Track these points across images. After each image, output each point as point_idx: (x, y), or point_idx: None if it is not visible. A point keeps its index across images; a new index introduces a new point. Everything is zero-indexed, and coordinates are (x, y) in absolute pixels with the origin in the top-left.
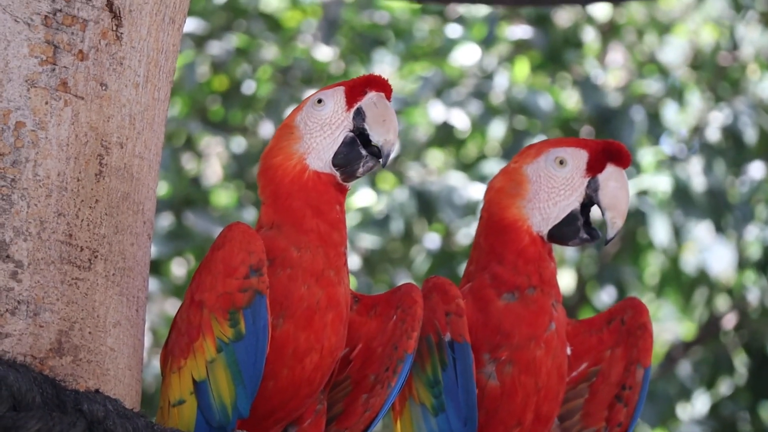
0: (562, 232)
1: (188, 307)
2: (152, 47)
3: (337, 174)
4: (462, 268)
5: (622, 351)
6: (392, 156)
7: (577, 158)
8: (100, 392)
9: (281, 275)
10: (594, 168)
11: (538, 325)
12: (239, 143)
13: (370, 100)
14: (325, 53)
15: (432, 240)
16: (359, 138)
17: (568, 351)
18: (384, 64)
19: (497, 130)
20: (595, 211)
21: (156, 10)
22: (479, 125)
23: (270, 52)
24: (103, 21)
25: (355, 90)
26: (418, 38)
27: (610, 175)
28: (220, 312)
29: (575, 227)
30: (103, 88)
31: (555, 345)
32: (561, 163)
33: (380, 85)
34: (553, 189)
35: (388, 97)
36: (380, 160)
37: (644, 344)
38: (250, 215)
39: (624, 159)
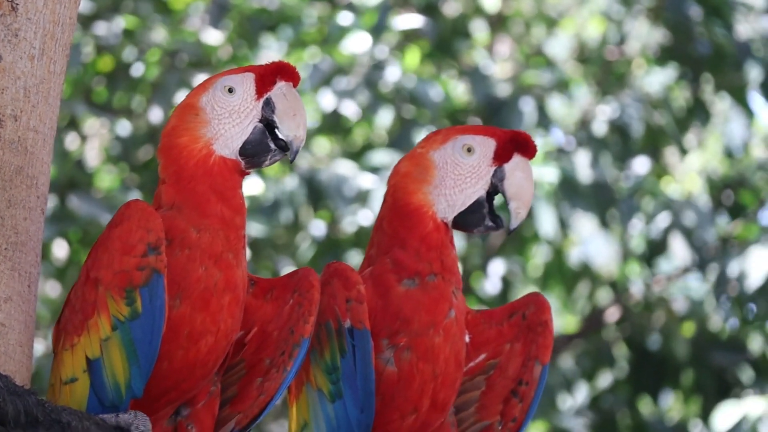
0: (466, 220)
1: (83, 284)
2: (48, 19)
3: (243, 162)
4: (347, 256)
5: (521, 346)
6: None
7: (485, 146)
8: None
9: (179, 256)
10: (501, 157)
11: (437, 312)
12: (124, 126)
13: (280, 90)
14: (213, 37)
15: (318, 227)
16: (267, 128)
17: (467, 339)
18: (272, 50)
19: (385, 118)
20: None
21: None
22: (367, 114)
23: (158, 34)
24: None
25: (266, 79)
26: (307, 24)
27: (516, 165)
28: (116, 290)
29: (480, 215)
30: None
31: (454, 332)
32: (469, 150)
33: (290, 74)
34: (460, 176)
35: (296, 86)
36: (287, 154)
37: (544, 341)
38: (134, 198)
39: (531, 150)
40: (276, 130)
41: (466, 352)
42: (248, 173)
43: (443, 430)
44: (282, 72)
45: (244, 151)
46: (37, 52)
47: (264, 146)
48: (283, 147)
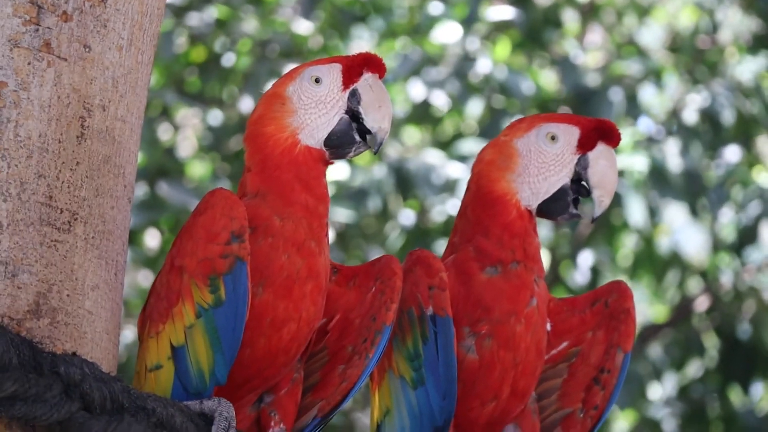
0: (550, 208)
1: (168, 272)
2: (137, 10)
3: (327, 153)
4: (436, 245)
5: (603, 334)
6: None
7: (569, 134)
8: (77, 355)
9: (262, 243)
10: (585, 145)
11: (519, 300)
12: (216, 116)
13: (366, 82)
14: (304, 27)
15: (407, 216)
16: (352, 119)
17: (548, 327)
18: (363, 40)
19: (475, 108)
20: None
21: None
22: (457, 104)
23: (249, 25)
24: None
25: (353, 70)
26: (398, 15)
27: (600, 153)
28: (200, 277)
29: (564, 203)
30: (87, 50)
31: (535, 321)
32: (552, 138)
33: (376, 66)
34: (544, 164)
35: (382, 78)
36: (372, 147)
37: (626, 329)
38: (225, 187)
39: (615, 138)
40: (361, 122)
41: (548, 339)
42: (332, 163)
43: (524, 417)
44: (368, 63)
45: (329, 141)
46: (125, 42)
47: (349, 138)
48: (367, 137)
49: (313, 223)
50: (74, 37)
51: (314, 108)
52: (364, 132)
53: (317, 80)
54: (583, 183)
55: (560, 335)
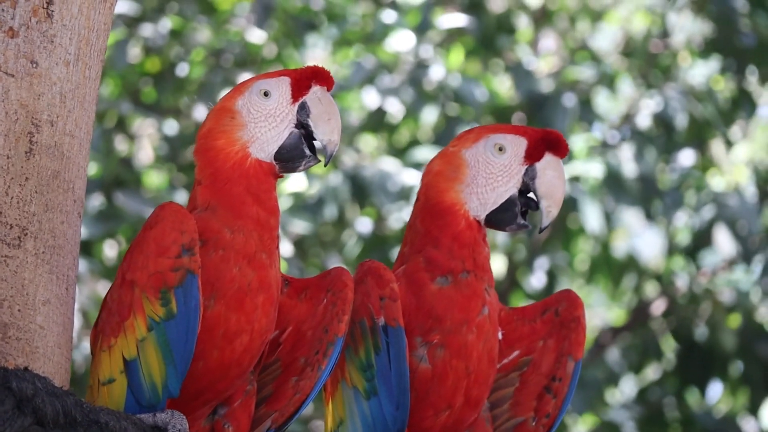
0: (498, 218)
1: (119, 286)
2: (83, 25)
3: (277, 166)
4: (394, 252)
5: (554, 342)
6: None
7: (516, 145)
8: (29, 370)
9: (213, 256)
10: (532, 156)
11: (470, 310)
12: (171, 126)
13: (315, 95)
14: (258, 36)
15: (364, 224)
16: (302, 131)
17: (500, 336)
18: (316, 49)
19: (429, 116)
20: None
21: None
22: (412, 111)
23: (203, 35)
24: None
25: (301, 84)
26: (352, 23)
27: (547, 163)
28: (151, 291)
29: (512, 213)
30: (34, 65)
31: (487, 329)
32: (500, 149)
33: (325, 78)
34: (491, 175)
35: (330, 90)
36: (322, 160)
37: (577, 337)
38: (182, 197)
39: (562, 148)
40: (311, 135)
41: (500, 349)
42: (282, 176)
43: (478, 427)
44: (317, 76)
45: (279, 155)
46: (73, 57)
47: (299, 151)
48: (317, 149)
49: (264, 235)
50: (21, 53)
51: (264, 121)
52: (313, 145)
53: (266, 94)
54: (531, 194)
55: (511, 344)
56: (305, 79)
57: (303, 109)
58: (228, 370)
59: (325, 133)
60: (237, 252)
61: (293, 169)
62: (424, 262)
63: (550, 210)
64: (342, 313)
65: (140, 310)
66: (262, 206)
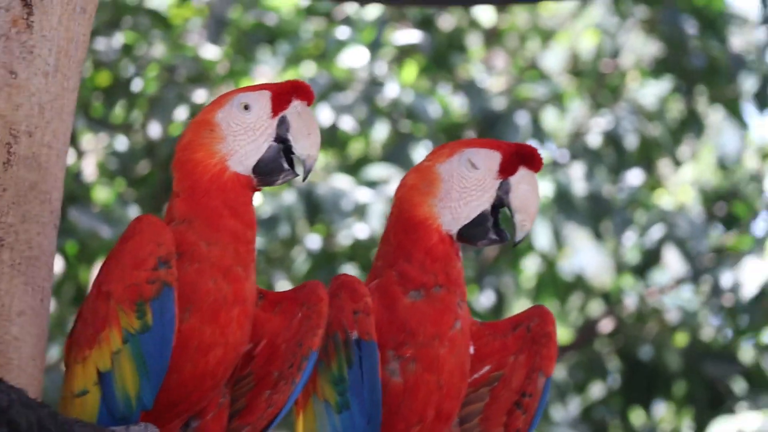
0: (471, 233)
1: (95, 297)
2: (62, 36)
3: (255, 179)
4: (343, 269)
5: (525, 358)
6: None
7: (490, 160)
8: (4, 381)
9: (189, 269)
10: (506, 170)
11: (442, 324)
12: (121, 141)
13: (295, 109)
14: (211, 52)
15: (313, 241)
16: (281, 145)
17: (471, 350)
18: (268, 65)
19: (381, 132)
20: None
21: None
22: (364, 127)
23: (157, 49)
24: (14, 8)
25: (282, 98)
26: (304, 39)
27: (521, 178)
28: (127, 303)
29: (485, 228)
30: (13, 76)
31: (459, 344)
32: (474, 164)
33: (305, 93)
34: (465, 189)
35: (310, 105)
36: (300, 174)
37: (548, 353)
38: (133, 212)
39: (536, 162)
40: (290, 149)
41: (471, 363)
42: (259, 190)
43: None
44: (297, 91)
45: (257, 168)
46: (51, 68)
47: (277, 165)
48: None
49: (240, 248)
50: (0, 63)
51: (243, 135)
52: (292, 159)
53: (246, 107)
54: (505, 208)
55: (482, 359)
56: (286, 94)
57: (283, 124)
58: (202, 383)
59: (305, 147)
60: (213, 265)
61: (271, 183)
62: (397, 276)
63: (524, 224)
64: (316, 327)
65: (115, 322)
66: (239, 219)
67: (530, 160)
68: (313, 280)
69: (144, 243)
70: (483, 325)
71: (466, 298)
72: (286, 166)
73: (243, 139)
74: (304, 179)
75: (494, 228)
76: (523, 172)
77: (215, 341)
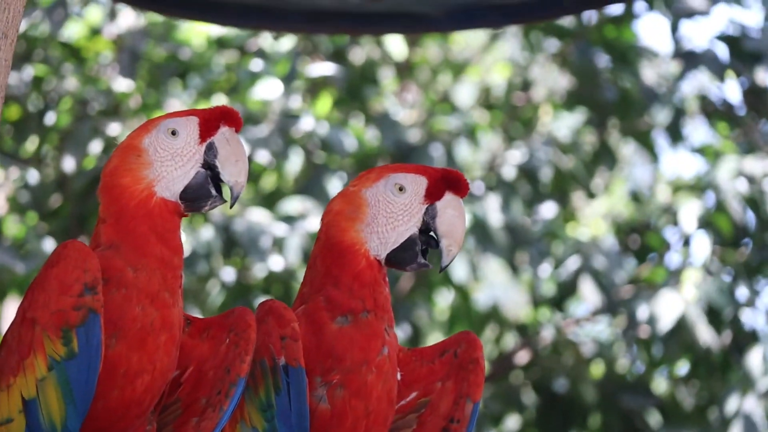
0: (399, 257)
1: (20, 324)
2: None
3: (183, 205)
4: (257, 301)
5: (452, 384)
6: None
7: (416, 185)
8: None
9: (116, 295)
10: (433, 195)
11: (370, 349)
12: (32, 174)
13: (223, 136)
14: (124, 85)
15: (228, 273)
16: (209, 171)
17: (399, 376)
18: (179, 99)
19: (295, 164)
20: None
21: None
22: (278, 159)
23: (69, 82)
24: None
25: (210, 124)
26: (216, 72)
27: (448, 203)
28: (52, 329)
29: (413, 252)
30: None
31: (386, 369)
32: (400, 189)
33: (233, 120)
34: (392, 214)
35: (238, 132)
36: (228, 200)
37: (475, 379)
38: (48, 245)
39: (462, 188)
40: (218, 175)
41: (398, 389)
42: (187, 215)
43: None
44: (225, 117)
45: (185, 194)
46: None
47: (205, 191)
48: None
49: (168, 274)
50: None
51: (170, 160)
52: (219, 185)
53: (174, 132)
54: (432, 233)
55: (409, 385)
56: (214, 120)
57: (210, 150)
58: (128, 410)
59: (233, 174)
60: (140, 291)
61: (198, 209)
62: (324, 302)
63: (450, 249)
64: (245, 353)
65: (41, 348)
66: (166, 245)
67: (456, 185)
68: (241, 307)
69: (69, 269)
70: (410, 351)
71: (393, 324)
72: (213, 192)
73: (170, 164)
74: (231, 206)
75: (422, 253)
76: (449, 197)
77: (142, 368)
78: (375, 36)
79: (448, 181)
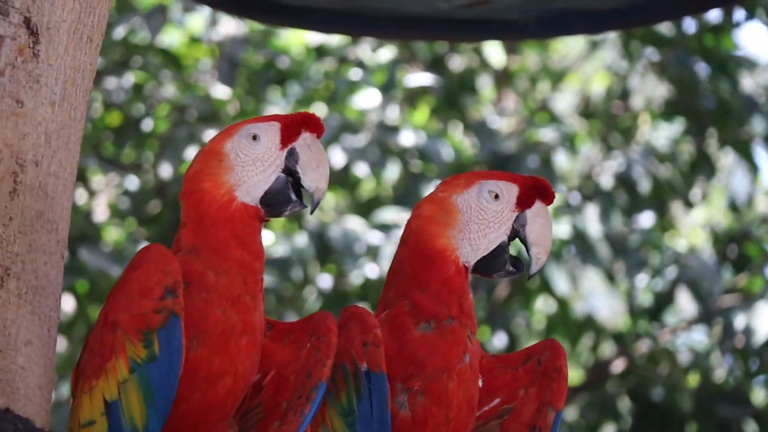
0: (488, 264)
1: (102, 327)
2: (69, 65)
3: (263, 210)
4: None
5: (535, 391)
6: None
7: (509, 192)
8: (11, 411)
9: (197, 298)
10: (523, 203)
11: (452, 356)
12: (132, 181)
13: (305, 141)
14: (222, 92)
15: (324, 280)
16: (290, 177)
17: (480, 383)
18: (278, 106)
19: (393, 173)
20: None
21: (74, 28)
22: (375, 168)
23: (168, 89)
24: (20, 38)
25: (291, 129)
26: (315, 81)
27: (537, 211)
28: (133, 333)
29: (502, 260)
30: (19, 105)
31: (467, 377)
32: (495, 196)
33: (315, 125)
34: (484, 221)
35: (320, 138)
36: (308, 206)
37: (558, 387)
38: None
39: (549, 196)
40: (299, 181)
41: (480, 396)
42: (267, 221)
43: None
44: (307, 123)
45: (265, 199)
46: (58, 98)
47: (285, 197)
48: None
49: (248, 278)
50: (6, 92)
51: (252, 165)
52: (300, 191)
53: (255, 138)
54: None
55: (492, 392)
56: (295, 125)
57: (292, 155)
58: (210, 413)
59: (313, 180)
60: (221, 294)
61: (279, 214)
62: (409, 306)
63: (539, 257)
64: (326, 357)
65: (122, 351)
66: (246, 250)
67: (545, 193)
68: (322, 311)
69: (151, 272)
70: (493, 358)
71: (476, 331)
72: (294, 197)
73: (251, 169)
74: (312, 211)
75: (510, 260)
76: (538, 206)
77: (224, 371)
78: (465, 43)
79: (538, 190)
